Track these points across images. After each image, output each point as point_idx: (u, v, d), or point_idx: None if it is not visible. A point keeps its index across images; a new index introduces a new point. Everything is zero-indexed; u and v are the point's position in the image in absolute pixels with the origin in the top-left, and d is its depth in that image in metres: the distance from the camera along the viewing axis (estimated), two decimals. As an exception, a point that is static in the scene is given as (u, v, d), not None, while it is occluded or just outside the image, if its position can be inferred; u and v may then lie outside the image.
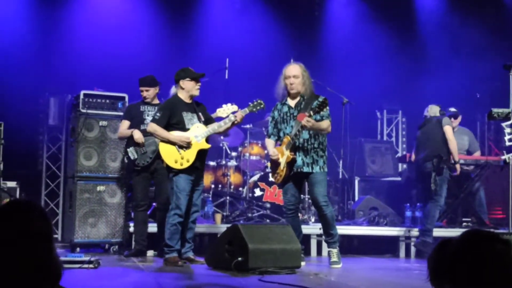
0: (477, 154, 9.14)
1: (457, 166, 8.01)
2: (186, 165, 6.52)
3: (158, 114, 6.67)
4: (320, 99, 6.69)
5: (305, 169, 6.69)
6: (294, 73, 6.82)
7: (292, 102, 6.91)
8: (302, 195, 8.48)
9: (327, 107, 6.56)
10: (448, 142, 8.02)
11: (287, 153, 6.67)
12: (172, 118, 6.62)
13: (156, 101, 7.51)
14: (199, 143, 6.60)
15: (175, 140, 6.54)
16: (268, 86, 7.22)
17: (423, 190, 8.37)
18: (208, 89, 7.61)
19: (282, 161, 6.71)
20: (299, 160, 6.70)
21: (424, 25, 11.52)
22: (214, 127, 6.70)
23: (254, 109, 6.84)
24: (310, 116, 6.45)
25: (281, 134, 6.91)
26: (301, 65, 6.92)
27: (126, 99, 8.09)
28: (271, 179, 8.63)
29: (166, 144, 6.58)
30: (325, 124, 6.71)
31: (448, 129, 8.08)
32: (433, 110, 8.37)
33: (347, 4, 11.73)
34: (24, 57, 9.32)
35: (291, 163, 6.69)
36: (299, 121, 6.58)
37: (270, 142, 7.01)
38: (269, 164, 8.10)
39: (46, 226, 1.95)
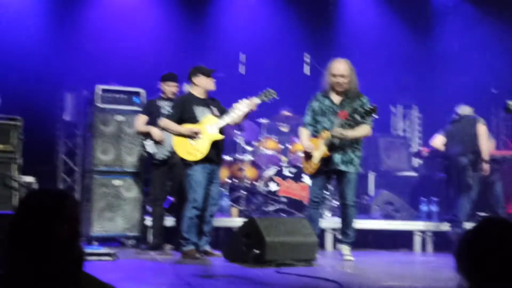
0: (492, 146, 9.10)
1: (485, 165, 7.98)
2: (199, 156, 6.53)
3: (170, 110, 6.72)
4: (364, 99, 6.65)
5: (342, 167, 6.60)
6: (341, 72, 6.60)
7: (336, 98, 6.71)
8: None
9: (371, 115, 6.49)
10: (479, 141, 8.03)
11: (323, 148, 6.56)
12: (184, 114, 6.67)
13: (174, 97, 7.53)
14: (211, 134, 6.59)
15: (186, 132, 6.58)
16: (284, 80, 7.18)
17: (456, 184, 8.29)
18: (225, 85, 7.62)
19: (317, 155, 6.62)
20: (337, 158, 6.60)
21: (440, 19, 11.47)
22: (226, 118, 6.68)
23: (265, 98, 6.71)
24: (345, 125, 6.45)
25: (319, 126, 6.72)
26: (348, 61, 6.69)
27: (142, 94, 8.12)
28: (286, 173, 8.68)
29: (179, 137, 6.62)
30: (362, 131, 6.60)
31: (483, 128, 8.10)
32: (466, 110, 8.38)
33: (362, -2, 11.72)
34: (41, 53, 9.37)
35: (325, 157, 6.61)
36: (340, 119, 6.52)
37: (304, 133, 6.80)
38: (284, 158, 8.14)
39: (77, 212, 1.99)
